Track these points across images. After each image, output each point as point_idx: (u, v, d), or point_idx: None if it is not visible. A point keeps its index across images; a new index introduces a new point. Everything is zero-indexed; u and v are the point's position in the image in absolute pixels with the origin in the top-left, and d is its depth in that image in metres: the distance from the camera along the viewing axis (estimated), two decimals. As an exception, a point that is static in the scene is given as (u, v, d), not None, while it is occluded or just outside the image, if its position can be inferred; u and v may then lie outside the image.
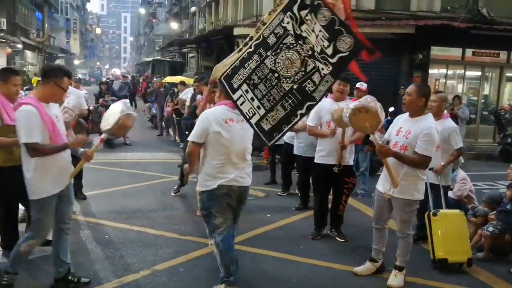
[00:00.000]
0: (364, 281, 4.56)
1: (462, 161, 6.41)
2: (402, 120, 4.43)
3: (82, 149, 3.93)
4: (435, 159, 5.25)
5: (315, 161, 5.67)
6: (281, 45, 3.59)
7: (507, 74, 15.16)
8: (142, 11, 78.92)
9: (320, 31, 3.51)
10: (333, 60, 3.54)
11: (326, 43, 3.51)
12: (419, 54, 13.62)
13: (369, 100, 4.05)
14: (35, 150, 3.62)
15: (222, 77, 3.78)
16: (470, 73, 15.26)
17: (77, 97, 5.90)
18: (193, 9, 34.09)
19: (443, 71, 14.86)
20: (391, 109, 12.62)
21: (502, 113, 13.62)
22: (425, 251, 5.22)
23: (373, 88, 7.97)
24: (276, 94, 3.64)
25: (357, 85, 7.69)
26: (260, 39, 3.63)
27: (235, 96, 3.68)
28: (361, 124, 4.10)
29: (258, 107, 3.68)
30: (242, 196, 3.95)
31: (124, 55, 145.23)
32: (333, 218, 5.80)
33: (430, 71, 14.23)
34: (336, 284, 4.49)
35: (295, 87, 3.60)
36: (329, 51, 3.53)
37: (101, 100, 12.50)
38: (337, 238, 5.68)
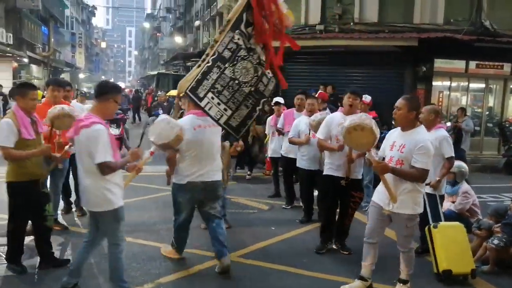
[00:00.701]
0: (368, 295, 4.54)
1: (467, 175, 6.36)
2: (395, 135, 4.37)
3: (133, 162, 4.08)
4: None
5: (324, 173, 5.62)
6: (237, 57, 4.37)
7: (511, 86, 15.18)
8: (147, 25, 79.69)
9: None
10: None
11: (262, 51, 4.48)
12: (422, 66, 13.66)
13: (364, 118, 4.14)
14: (109, 168, 3.72)
15: (188, 90, 4.42)
16: (474, 85, 15.27)
17: (81, 112, 5.97)
18: (197, 23, 34.37)
19: (447, 83, 14.88)
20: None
21: (507, 125, 13.58)
22: (428, 263, 5.17)
23: (376, 100, 8.01)
24: (239, 97, 4.45)
25: (364, 98, 7.68)
26: (216, 54, 4.36)
27: (202, 104, 4.39)
28: (357, 142, 4.23)
29: (225, 109, 4.44)
30: (209, 189, 4.79)
31: (129, 69, 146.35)
32: (338, 231, 5.73)
33: (434, 83, 14.26)
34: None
35: (252, 89, 4.48)
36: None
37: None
38: (341, 251, 5.64)
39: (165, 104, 15.46)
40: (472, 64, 14.35)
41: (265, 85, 4.60)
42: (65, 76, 46.99)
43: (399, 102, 4.24)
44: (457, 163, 6.36)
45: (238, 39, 4.37)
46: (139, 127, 16.28)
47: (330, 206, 5.66)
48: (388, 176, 4.16)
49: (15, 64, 28.14)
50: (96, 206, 3.86)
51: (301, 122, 6.94)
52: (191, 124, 4.61)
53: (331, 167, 5.49)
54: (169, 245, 5.25)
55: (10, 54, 25.37)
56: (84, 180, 3.83)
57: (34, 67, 33.90)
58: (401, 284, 4.47)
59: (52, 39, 37.32)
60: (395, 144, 4.26)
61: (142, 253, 5.33)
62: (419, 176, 4.12)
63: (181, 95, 4.82)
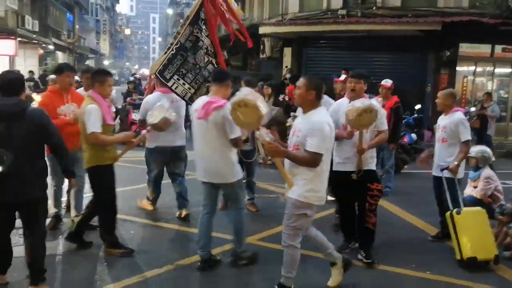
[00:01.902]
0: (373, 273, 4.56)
1: (493, 159, 6.24)
2: (298, 120, 4.05)
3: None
4: (443, 153, 5.34)
5: (333, 169, 4.81)
6: (197, 47, 5.37)
7: (539, 71, 14.80)
8: (170, 11, 79.76)
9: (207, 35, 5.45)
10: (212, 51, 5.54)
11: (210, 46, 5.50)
12: (446, 51, 13.40)
13: (247, 93, 3.80)
14: (240, 141, 4.47)
15: (157, 72, 5.35)
16: (500, 70, 14.93)
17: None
18: (219, 8, 34.21)
19: (472, 68, 14.57)
20: (418, 106, 12.48)
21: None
22: (449, 249, 5.18)
23: (399, 85, 7.91)
24: (200, 78, 5.43)
25: (382, 82, 7.62)
26: (179, 44, 5.32)
27: (169, 84, 5.32)
28: (244, 120, 3.82)
29: (189, 88, 5.41)
30: (173, 152, 5.90)
31: (153, 55, 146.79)
32: (361, 233, 4.99)
33: (458, 68, 13.99)
34: (358, 280, 4.50)
35: (208, 74, 5.37)
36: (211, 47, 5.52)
37: (128, 99, 12.75)
38: (364, 260, 4.83)
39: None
40: (498, 48, 14.02)
41: (209, 72, 5.40)
42: (90, 63, 47.62)
43: (300, 80, 3.93)
44: (480, 148, 6.28)
45: (197, 32, 5.36)
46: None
47: (344, 204, 5.23)
48: (286, 160, 3.88)
49: (41, 51, 28.64)
50: (228, 178, 4.47)
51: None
52: (157, 100, 5.46)
53: (338, 161, 4.91)
54: (144, 199, 6.40)
55: (36, 41, 25.79)
56: (218, 156, 4.41)
57: (59, 54, 34.43)
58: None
59: (77, 26, 37.82)
60: (295, 128, 3.96)
61: (162, 235, 5.45)
62: (310, 160, 3.70)
63: (152, 76, 5.82)
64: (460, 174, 5.36)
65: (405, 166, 9.64)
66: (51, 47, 29.74)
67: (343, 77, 8.86)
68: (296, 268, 3.96)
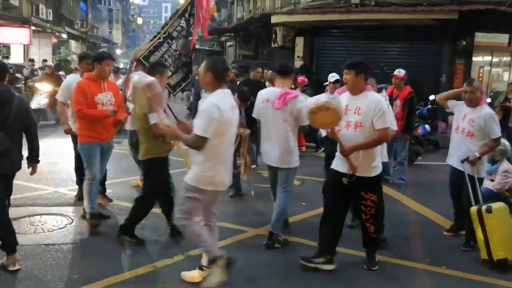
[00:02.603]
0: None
1: (509, 153, 6.10)
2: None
3: None
4: (468, 147, 5.00)
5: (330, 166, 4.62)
6: (180, 35, 5.92)
7: (558, 61, 14.48)
8: (182, 1, 79.50)
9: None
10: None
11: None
12: (462, 40, 13.16)
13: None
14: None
15: (141, 57, 5.78)
16: (517, 60, 14.65)
17: None
18: (231, -3, 34.05)
19: (488, 58, 14.30)
20: (432, 97, 12.29)
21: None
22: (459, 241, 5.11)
23: (413, 76, 7.79)
24: (178, 63, 5.94)
25: (395, 72, 7.49)
26: (167, 34, 5.87)
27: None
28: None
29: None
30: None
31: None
32: (364, 237, 4.57)
33: (474, 58, 13.74)
34: (371, 273, 4.45)
35: (188, 60, 6.02)
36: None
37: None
38: (365, 266, 4.53)
39: (196, 78, 15.40)
40: (516, 38, 13.73)
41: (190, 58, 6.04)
42: (102, 52, 47.76)
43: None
44: None
45: (183, 23, 5.93)
46: (175, 102, 16.37)
47: (328, 211, 4.49)
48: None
49: (55, 40, 28.78)
50: (292, 163, 4.91)
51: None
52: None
53: (337, 159, 4.43)
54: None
55: (50, 30, 25.91)
56: (289, 142, 4.83)
57: (72, 43, 34.58)
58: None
59: (90, 15, 37.88)
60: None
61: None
62: (193, 142, 3.62)
63: (134, 61, 6.01)
64: (482, 172, 5.11)
65: (418, 158, 9.51)
66: (64, 36, 29.88)
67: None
68: (205, 239, 3.85)
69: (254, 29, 21.09)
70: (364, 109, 4.12)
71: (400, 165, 7.80)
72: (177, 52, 5.94)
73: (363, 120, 4.12)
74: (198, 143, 3.57)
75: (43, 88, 12.59)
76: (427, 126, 10.62)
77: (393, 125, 4.87)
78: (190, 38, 6.13)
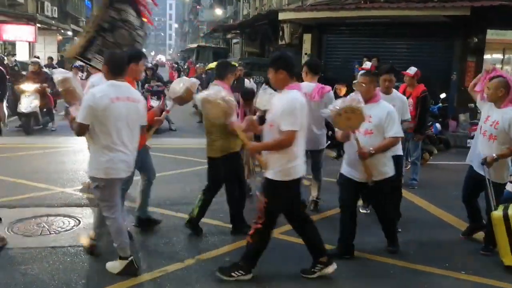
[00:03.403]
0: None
1: None
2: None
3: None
4: (488, 150, 4.72)
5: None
6: (115, 26, 5.59)
7: None
8: (187, -2, 79.37)
9: (132, 12, 5.70)
10: (142, 28, 5.79)
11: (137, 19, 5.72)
12: (474, 38, 12.90)
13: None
14: None
15: (76, 55, 5.57)
16: (529, 59, 14.38)
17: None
18: (237, -6, 33.89)
19: (499, 56, 14.06)
20: (443, 95, 12.11)
21: None
22: (481, 246, 4.95)
23: (424, 73, 7.57)
24: None
25: (407, 70, 7.30)
26: (97, 27, 5.56)
27: (92, 63, 5.49)
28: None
29: None
30: None
31: (169, 42, 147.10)
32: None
33: (485, 56, 13.50)
34: (386, 279, 4.29)
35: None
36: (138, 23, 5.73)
37: (146, 85, 12.61)
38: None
39: (203, 76, 15.32)
40: (529, 36, 13.46)
41: (140, 43, 5.85)
42: (108, 49, 47.63)
43: None
44: None
45: (113, 14, 5.71)
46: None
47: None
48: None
49: (60, 37, 28.74)
50: (324, 145, 5.88)
51: None
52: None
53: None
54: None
55: (55, 28, 25.86)
56: (322, 129, 5.78)
57: (78, 40, 34.49)
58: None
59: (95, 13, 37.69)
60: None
61: (183, 227, 5.27)
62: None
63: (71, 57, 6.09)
64: (505, 178, 4.84)
65: (430, 157, 9.33)
66: (69, 33, 29.81)
67: (368, 65, 8.54)
68: (122, 237, 4.07)
69: (261, 26, 20.94)
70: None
71: (412, 165, 7.63)
72: (115, 44, 5.74)
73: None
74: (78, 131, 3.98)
75: (28, 88, 11.12)
76: (438, 125, 10.45)
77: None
78: (128, 26, 5.93)
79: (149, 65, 17.95)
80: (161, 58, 69.88)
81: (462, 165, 5.20)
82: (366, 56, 11.88)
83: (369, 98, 4.45)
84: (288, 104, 3.76)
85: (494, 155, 4.65)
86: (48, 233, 5.00)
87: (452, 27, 12.94)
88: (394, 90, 5.65)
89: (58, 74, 4.56)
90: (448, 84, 13.31)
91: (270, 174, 3.91)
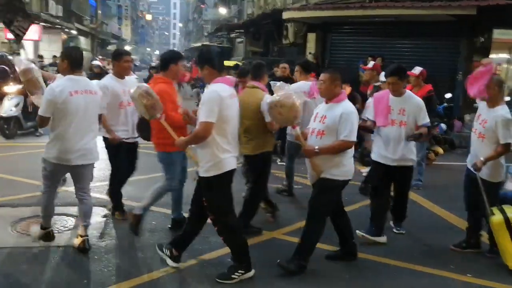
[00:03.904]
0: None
1: None
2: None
3: None
4: (478, 149, 4.65)
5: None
6: None
7: None
8: (191, -2, 79.41)
9: None
10: None
11: None
12: (480, 37, 12.81)
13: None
14: None
15: None
16: (535, 58, 14.26)
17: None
18: (241, -7, 33.83)
19: (506, 55, 13.94)
20: (448, 95, 12.02)
21: None
22: (484, 246, 4.91)
23: (429, 73, 7.53)
24: None
25: (412, 70, 7.23)
26: None
27: None
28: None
29: None
30: None
31: (173, 41, 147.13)
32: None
33: (492, 55, 13.39)
34: (392, 283, 4.24)
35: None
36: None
37: (150, 85, 12.58)
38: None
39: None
40: (535, 35, 13.35)
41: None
42: (112, 48, 47.66)
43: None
44: None
45: None
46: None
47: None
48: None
49: (64, 36, 28.77)
50: None
51: None
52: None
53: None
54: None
55: (60, 26, 25.88)
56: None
57: (82, 39, 34.52)
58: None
59: (100, 11, 37.79)
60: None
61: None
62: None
63: None
64: (498, 176, 4.74)
65: (435, 158, 9.26)
66: (74, 32, 29.83)
67: (371, 64, 8.55)
68: (48, 210, 4.59)
69: (265, 26, 20.88)
70: None
71: (417, 166, 7.55)
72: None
73: None
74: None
75: (10, 90, 10.26)
76: (443, 125, 10.38)
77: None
78: None
79: (153, 64, 17.99)
80: (165, 57, 69.59)
81: (466, 165, 5.14)
82: (371, 56, 11.82)
83: (329, 98, 4.29)
84: (206, 96, 3.83)
85: (482, 158, 4.54)
86: (52, 232, 4.96)
87: (458, 26, 12.85)
88: (409, 92, 5.21)
89: (21, 64, 4.88)
90: (454, 84, 13.24)
91: (201, 172, 3.93)
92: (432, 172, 8.41)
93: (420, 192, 7.10)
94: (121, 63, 5.23)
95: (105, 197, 6.08)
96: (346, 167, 4.24)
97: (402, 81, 5.00)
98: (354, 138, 4.15)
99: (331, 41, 16.30)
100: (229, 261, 4.24)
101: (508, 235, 4.40)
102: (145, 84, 4.54)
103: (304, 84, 6.12)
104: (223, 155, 3.85)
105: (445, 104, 11.78)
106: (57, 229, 5.04)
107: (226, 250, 4.63)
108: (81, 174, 4.51)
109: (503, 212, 4.48)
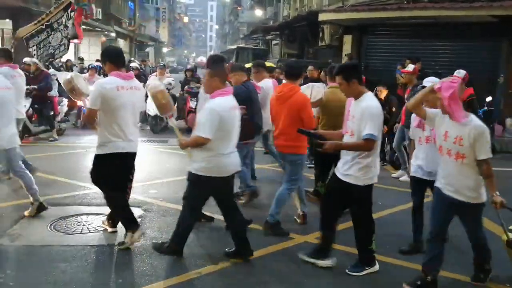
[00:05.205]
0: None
1: None
2: None
3: None
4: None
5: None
6: (58, 29, 6.34)
7: None
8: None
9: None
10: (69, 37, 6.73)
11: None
12: (523, 38, 12.38)
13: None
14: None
15: (24, 38, 6.53)
16: None
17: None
18: (277, -5, 33.84)
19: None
20: (489, 98, 11.66)
21: None
22: None
23: (468, 75, 7.30)
24: (44, 52, 6.44)
25: (455, 73, 7.07)
26: (49, 22, 6.36)
27: (30, 50, 6.31)
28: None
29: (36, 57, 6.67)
30: None
31: (210, 43, 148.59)
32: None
33: (534, 57, 12.92)
34: None
35: (52, 51, 6.51)
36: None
37: (186, 87, 12.73)
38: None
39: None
40: None
41: (60, 52, 6.64)
42: (149, 51, 48.61)
43: None
44: None
45: (64, 18, 6.42)
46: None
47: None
48: None
49: (104, 39, 29.47)
50: None
51: None
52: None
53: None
54: None
55: (99, 29, 26.53)
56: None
57: (121, 41, 35.32)
58: None
59: (138, 14, 38.54)
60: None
61: (219, 229, 5.24)
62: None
63: (15, 41, 7.15)
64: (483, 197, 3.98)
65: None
66: (113, 34, 30.53)
67: (411, 67, 8.38)
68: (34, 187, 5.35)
69: (300, 28, 20.82)
70: None
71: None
72: (49, 45, 6.64)
73: None
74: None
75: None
76: (483, 129, 10.04)
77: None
78: (65, 32, 6.73)
79: (189, 66, 18.23)
80: (203, 59, 70.46)
81: (508, 171, 4.92)
82: (409, 58, 11.58)
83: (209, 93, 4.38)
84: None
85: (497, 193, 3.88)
86: (88, 231, 5.10)
87: (500, 27, 12.44)
88: (366, 95, 4.19)
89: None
90: (495, 87, 12.83)
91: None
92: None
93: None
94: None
95: (141, 197, 6.21)
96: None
97: (348, 82, 4.15)
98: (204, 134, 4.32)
99: (367, 43, 16.10)
100: (260, 264, 4.21)
101: None
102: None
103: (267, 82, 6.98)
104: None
105: (486, 108, 11.42)
106: (93, 228, 5.17)
107: (257, 253, 4.64)
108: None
109: None
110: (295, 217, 5.67)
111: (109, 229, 5.04)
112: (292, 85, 5.27)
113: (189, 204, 4.43)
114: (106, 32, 28.53)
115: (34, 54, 6.64)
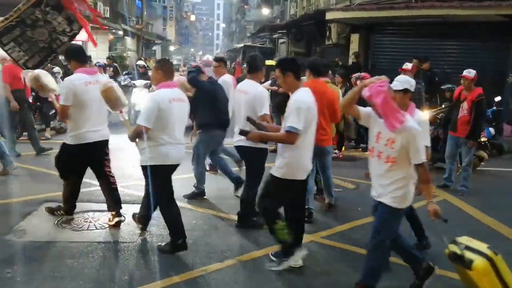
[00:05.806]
0: None
1: None
2: None
3: None
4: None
5: None
6: (36, 25, 6.10)
7: None
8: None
9: (62, 20, 6.15)
10: (70, 34, 6.16)
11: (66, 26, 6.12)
12: (532, 38, 12.29)
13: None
14: None
15: None
16: None
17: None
18: (284, -6, 33.79)
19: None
20: (497, 98, 11.58)
21: None
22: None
23: (477, 75, 7.26)
24: (35, 49, 6.11)
25: (464, 72, 7.03)
26: (19, 18, 6.05)
27: (6, 48, 6.07)
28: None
29: (23, 55, 6.11)
30: None
31: (217, 42, 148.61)
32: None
33: (544, 57, 12.84)
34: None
35: (46, 45, 6.14)
36: (68, 29, 6.12)
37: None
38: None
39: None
40: None
41: (58, 46, 6.26)
42: (157, 49, 48.71)
43: None
44: None
45: (39, 14, 6.21)
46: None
47: None
48: None
49: (111, 37, 29.54)
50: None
51: None
52: None
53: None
54: None
55: (107, 27, 26.59)
56: None
57: (128, 40, 35.40)
58: None
59: (145, 12, 38.59)
60: None
61: (225, 227, 5.30)
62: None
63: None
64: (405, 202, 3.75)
65: (481, 163, 8.94)
66: (120, 32, 30.60)
67: (408, 65, 8.39)
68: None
69: (307, 26, 20.77)
70: None
71: (463, 171, 7.33)
72: (34, 40, 6.39)
73: None
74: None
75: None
76: (491, 129, 9.99)
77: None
78: (50, 27, 6.47)
79: (194, 64, 18.18)
80: (209, 57, 70.59)
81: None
82: (417, 58, 11.51)
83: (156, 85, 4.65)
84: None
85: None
86: (95, 228, 5.12)
87: (509, 26, 12.36)
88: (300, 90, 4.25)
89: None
90: (503, 86, 12.75)
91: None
92: (478, 178, 8.14)
93: (464, 198, 6.87)
94: None
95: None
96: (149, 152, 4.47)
97: (284, 75, 4.19)
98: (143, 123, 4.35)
99: (374, 42, 16.06)
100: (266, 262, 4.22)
101: (497, 279, 3.58)
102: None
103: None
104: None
105: (494, 108, 11.36)
106: (99, 225, 5.20)
107: (263, 252, 4.65)
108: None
109: (480, 253, 3.71)
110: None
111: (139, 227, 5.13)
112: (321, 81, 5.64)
113: (156, 194, 4.54)
114: (113, 30, 28.61)
115: (12, 51, 6.37)
